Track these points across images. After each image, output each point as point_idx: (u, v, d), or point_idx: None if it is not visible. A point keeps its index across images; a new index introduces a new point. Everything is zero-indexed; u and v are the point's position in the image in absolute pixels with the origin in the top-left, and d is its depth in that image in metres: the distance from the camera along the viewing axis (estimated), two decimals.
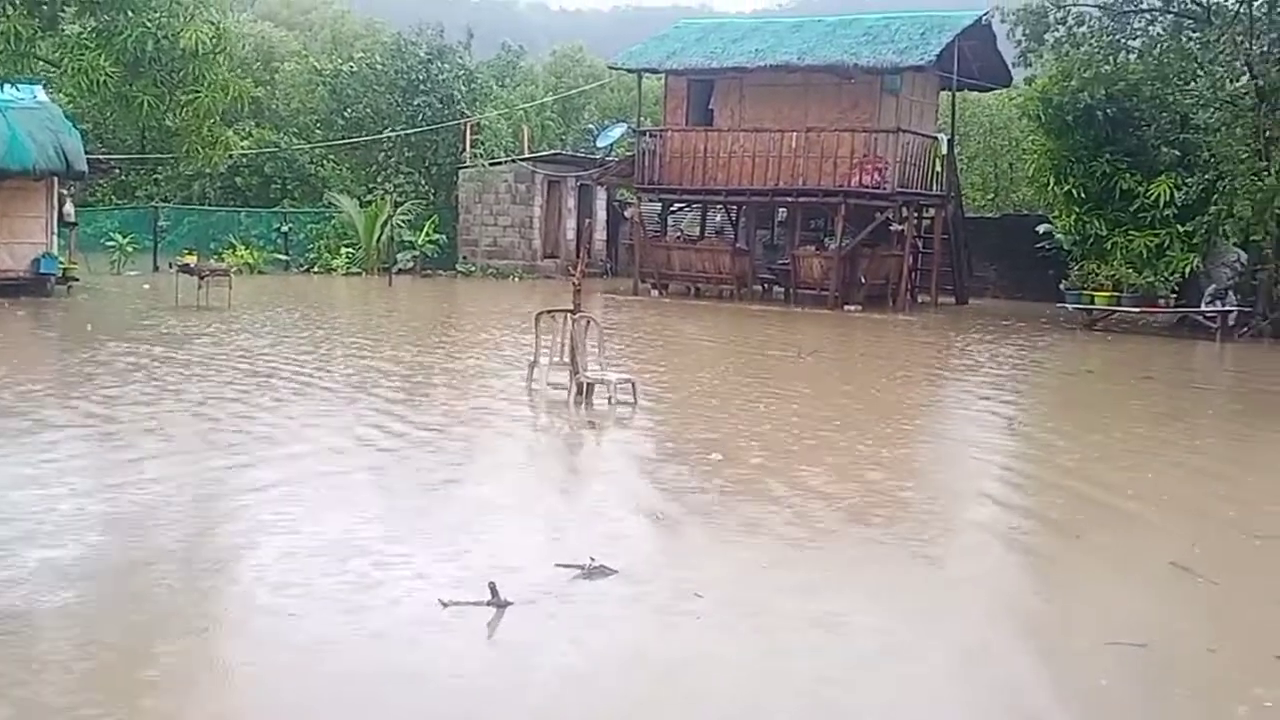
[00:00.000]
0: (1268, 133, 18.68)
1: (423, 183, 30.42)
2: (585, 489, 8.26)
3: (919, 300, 23.89)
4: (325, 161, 32.17)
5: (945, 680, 4.86)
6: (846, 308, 21.99)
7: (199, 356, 13.22)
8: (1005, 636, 5.41)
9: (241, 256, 26.56)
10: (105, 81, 14.75)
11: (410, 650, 4.95)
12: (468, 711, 4.45)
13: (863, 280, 22.67)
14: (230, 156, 22.58)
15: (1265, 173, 18.17)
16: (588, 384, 10.88)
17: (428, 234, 28.43)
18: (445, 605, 5.34)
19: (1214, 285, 19.80)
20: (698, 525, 7.05)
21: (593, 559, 5.95)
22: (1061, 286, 20.94)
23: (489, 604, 5.36)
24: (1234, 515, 7.73)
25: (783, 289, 24.08)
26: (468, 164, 29.82)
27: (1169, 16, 21.18)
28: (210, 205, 31.20)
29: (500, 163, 29.73)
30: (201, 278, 19.23)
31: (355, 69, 30.87)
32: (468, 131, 30.19)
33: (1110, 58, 20.05)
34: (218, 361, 12.92)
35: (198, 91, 15.21)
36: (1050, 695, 4.76)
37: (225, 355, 13.43)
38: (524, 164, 29.48)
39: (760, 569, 6.23)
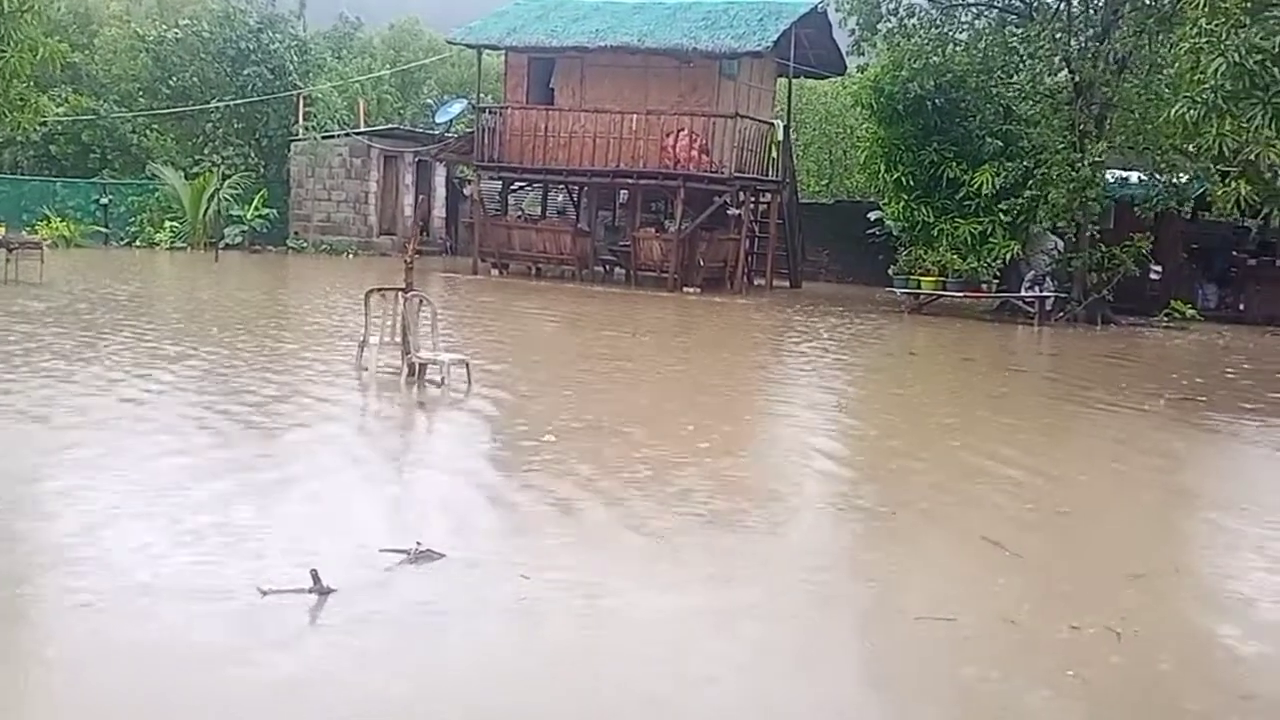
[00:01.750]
0: (1082, 126, 19.58)
1: (252, 155, 29.43)
2: (414, 472, 8.10)
3: (755, 283, 24.30)
4: (149, 131, 30.78)
5: (755, 656, 4.92)
6: (686, 290, 22.20)
7: None
8: (817, 613, 5.51)
9: (57, 229, 25.25)
10: None
11: (227, 640, 4.76)
12: (285, 703, 4.29)
13: (701, 263, 22.91)
14: (44, 123, 21.40)
15: (1079, 163, 19.05)
16: (419, 365, 10.68)
17: (257, 208, 27.54)
18: (264, 594, 5.16)
19: (1033, 271, 20.69)
20: (529, 507, 6.98)
21: (419, 543, 5.84)
22: (890, 271, 21.56)
23: (310, 591, 5.20)
24: (1042, 489, 8.08)
25: (624, 270, 24.16)
26: (300, 137, 28.98)
27: (994, 11, 21.98)
28: (22, 175, 29.54)
29: (334, 136, 28.97)
30: (10, 250, 18.21)
31: (181, 36, 29.59)
32: (300, 104, 29.31)
33: (939, 49, 20.66)
34: (14, 339, 12.23)
35: (3, 51, 14.35)
36: (856, 672, 4.87)
37: (30, 331, 12.72)
38: (359, 138, 28.82)
39: (591, 550, 6.20)
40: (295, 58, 30.12)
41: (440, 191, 30.84)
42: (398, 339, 10.83)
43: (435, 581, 5.53)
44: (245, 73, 28.97)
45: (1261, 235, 22.96)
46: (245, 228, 27.53)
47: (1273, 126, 10.77)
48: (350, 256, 27.50)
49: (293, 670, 4.58)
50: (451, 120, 30.22)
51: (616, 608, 5.36)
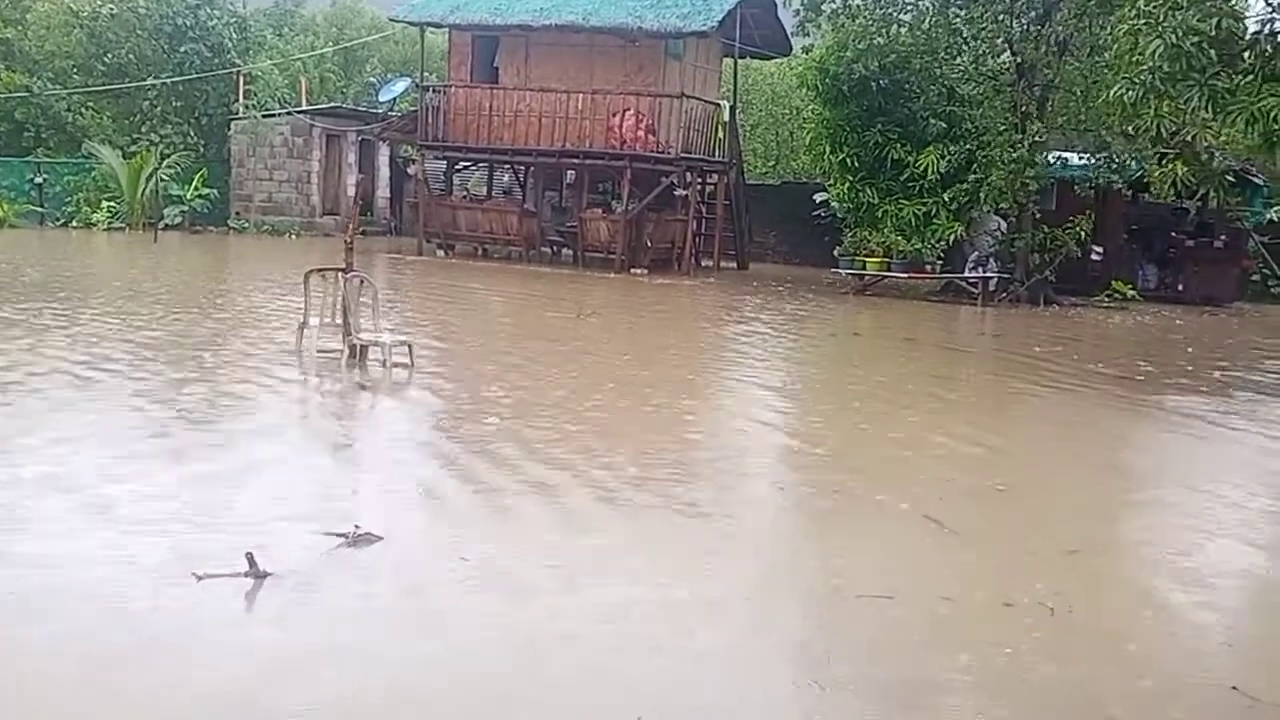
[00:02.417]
0: (1023, 107, 19.74)
1: (192, 134, 28.93)
2: (353, 454, 8.00)
3: (703, 264, 24.30)
4: (84, 109, 30.13)
5: (693, 634, 4.91)
6: (633, 271, 22.14)
7: None
8: (759, 592, 5.51)
9: None
10: None
11: (161, 625, 4.68)
12: (216, 688, 4.22)
13: (648, 244, 22.85)
14: None
15: (1020, 144, 19.21)
16: (361, 346, 10.56)
17: (197, 188, 27.10)
18: (199, 578, 5.07)
19: (976, 253, 20.86)
20: (470, 490, 6.92)
21: (358, 526, 5.77)
22: (836, 252, 21.65)
23: (246, 575, 5.13)
24: (983, 467, 8.16)
25: (571, 251, 24.05)
26: (240, 115, 28.52)
27: None
28: None
29: (276, 115, 28.55)
30: None
31: (116, 11, 28.95)
32: (240, 81, 28.84)
33: (883, 30, 20.68)
34: None
35: None
36: (793, 650, 4.88)
37: None
38: (301, 117, 28.40)
39: (531, 533, 6.16)
40: (234, 35, 29.61)
41: (384, 171, 30.51)
42: (338, 320, 10.69)
43: (373, 564, 5.46)
44: (183, 50, 28.43)
45: (1199, 217, 23.31)
46: (185, 208, 27.06)
47: (1209, 108, 10.91)
48: (293, 237, 27.14)
49: (227, 655, 4.50)
50: (395, 99, 29.87)
51: (555, 588, 5.33)
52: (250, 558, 5.18)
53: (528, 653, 4.64)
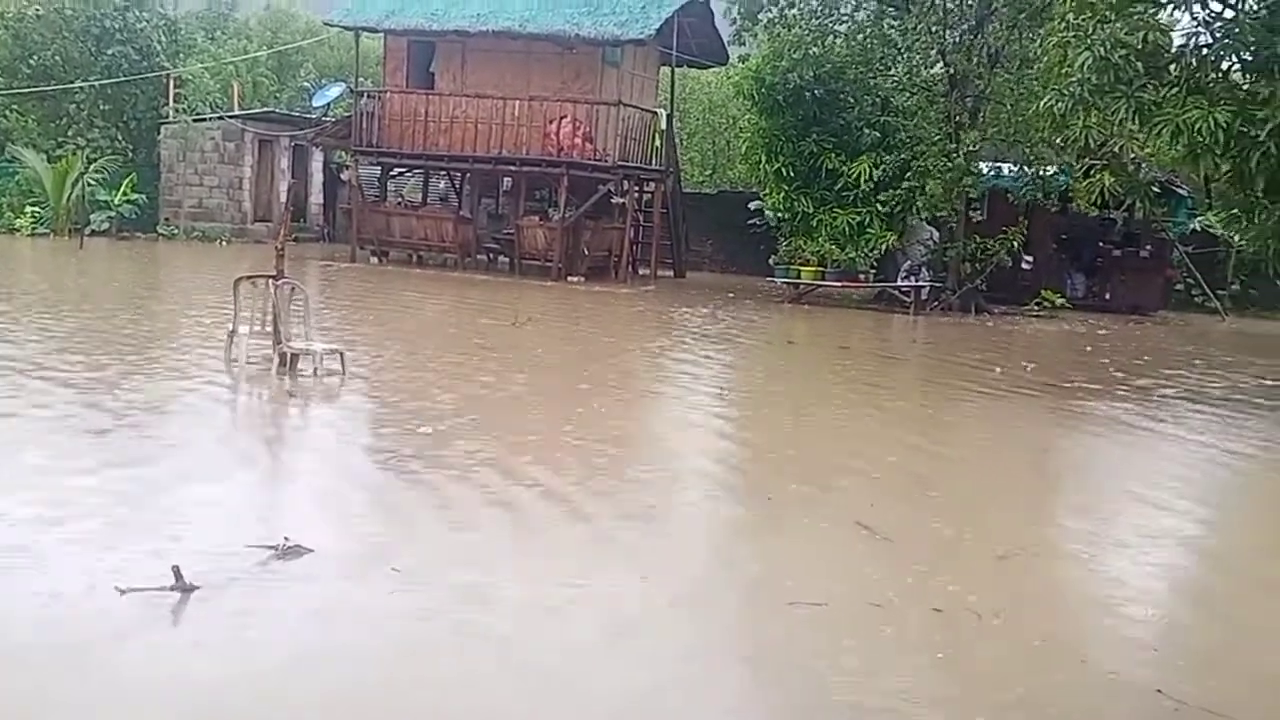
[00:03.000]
0: (957, 118, 20.00)
1: (120, 138, 28.35)
2: (283, 465, 7.87)
3: (640, 273, 24.30)
4: (8, 112, 29.41)
5: (627, 643, 4.88)
6: (570, 279, 22.08)
7: None
8: (692, 600, 5.49)
9: None
10: None
11: (83, 640, 4.55)
12: (138, 706, 4.10)
13: (585, 252, 22.81)
14: None
15: (954, 154, 19.46)
16: (291, 354, 10.39)
17: (125, 193, 26.58)
18: (123, 592, 4.94)
19: (909, 261, 21.08)
20: (401, 500, 6.83)
21: (287, 538, 5.66)
22: (772, 261, 21.76)
23: (173, 589, 5.00)
24: (914, 473, 8.22)
25: (508, 259, 23.92)
26: (170, 120, 28.03)
27: (872, 3, 22.29)
28: None
29: (207, 119, 28.10)
30: None
31: (42, 13, 28.33)
32: (170, 85, 28.36)
33: (819, 40, 20.86)
34: None
35: None
36: (727, 658, 4.86)
37: None
38: (233, 122, 27.99)
39: (465, 542, 6.09)
40: (164, 38, 29.10)
41: (317, 177, 30.14)
42: (269, 328, 10.52)
43: (304, 576, 5.36)
44: (110, 52, 27.88)
45: (1126, 227, 23.78)
46: (112, 213, 26.53)
47: (1136, 120, 11.10)
48: (223, 244, 26.71)
49: (152, 671, 4.38)
50: (329, 104, 29.55)
51: (490, 596, 5.26)
52: (176, 571, 5.06)
53: (460, 661, 4.58)
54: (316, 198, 30.23)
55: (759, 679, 4.65)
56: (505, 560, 5.84)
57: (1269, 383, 14.10)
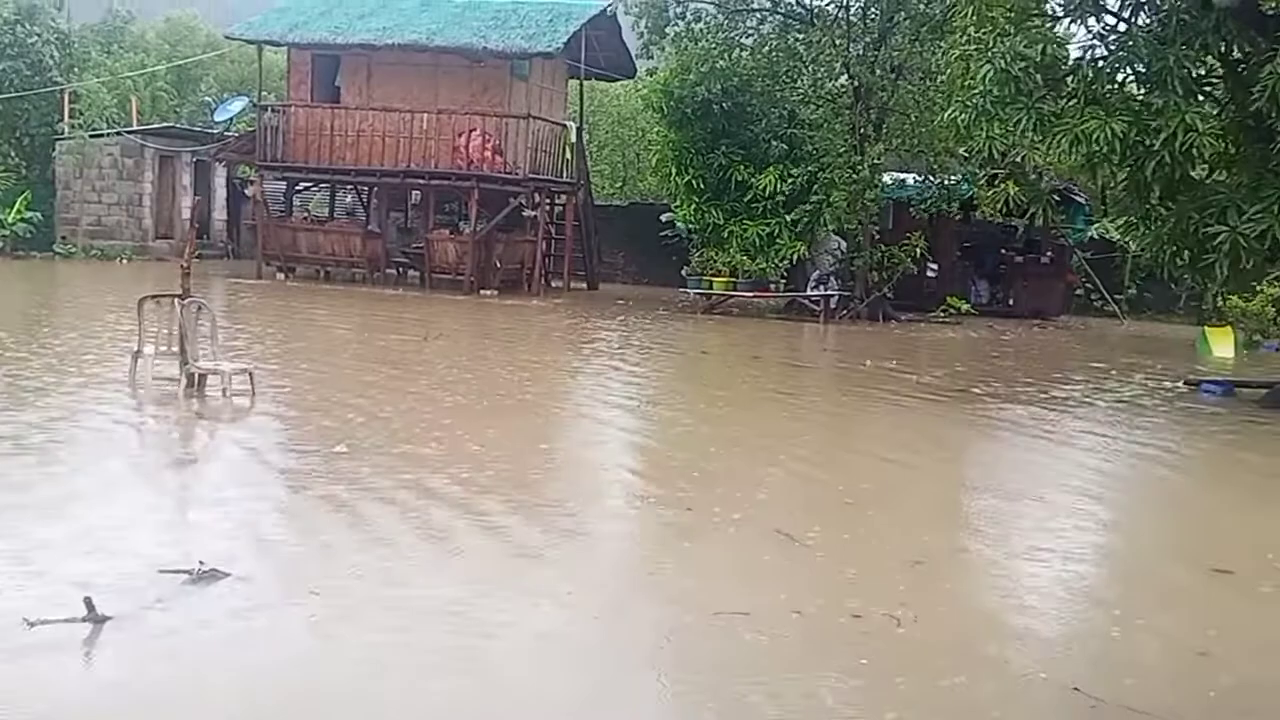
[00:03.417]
0: (862, 129, 20.33)
1: (12, 155, 27.53)
2: (195, 488, 7.68)
3: (553, 285, 24.26)
4: None
5: (548, 655, 4.87)
6: (482, 293, 21.96)
7: None
8: (616, 612, 5.48)
9: None
10: None
11: None
12: None
13: (497, 265, 22.71)
14: None
15: (859, 166, 19.78)
16: (199, 375, 10.16)
17: (19, 211, 25.80)
18: (32, 625, 4.77)
19: (818, 271, 21.36)
20: (318, 521, 6.71)
21: (202, 563, 5.54)
22: (684, 272, 21.89)
23: (85, 620, 4.84)
24: (830, 481, 8.32)
25: (418, 273, 23.71)
26: (66, 135, 27.27)
27: (777, 17, 22.58)
28: None
29: (105, 135, 27.40)
30: None
31: None
32: (65, 100, 27.61)
33: (725, 54, 21.07)
34: None
35: None
36: (653, 669, 4.86)
37: None
38: (132, 137, 27.33)
39: (382, 561, 6.01)
40: (56, 52, 28.31)
41: (220, 193, 29.57)
42: (175, 349, 10.28)
43: (221, 601, 5.24)
44: (0, 67, 27.08)
45: (1027, 234, 24.37)
46: (6, 232, 25.73)
47: (1036, 130, 11.39)
48: (124, 262, 26.05)
49: (67, 708, 4.24)
50: (232, 119, 29.03)
51: (412, 618, 5.19)
52: (89, 602, 4.91)
53: (384, 683, 4.51)
54: (220, 214, 29.67)
55: (682, 689, 4.65)
56: (427, 579, 5.78)
57: (1167, 384, 14.55)
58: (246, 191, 26.88)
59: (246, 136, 25.06)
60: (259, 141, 23.47)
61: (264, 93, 24.42)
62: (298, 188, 25.93)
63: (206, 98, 33.65)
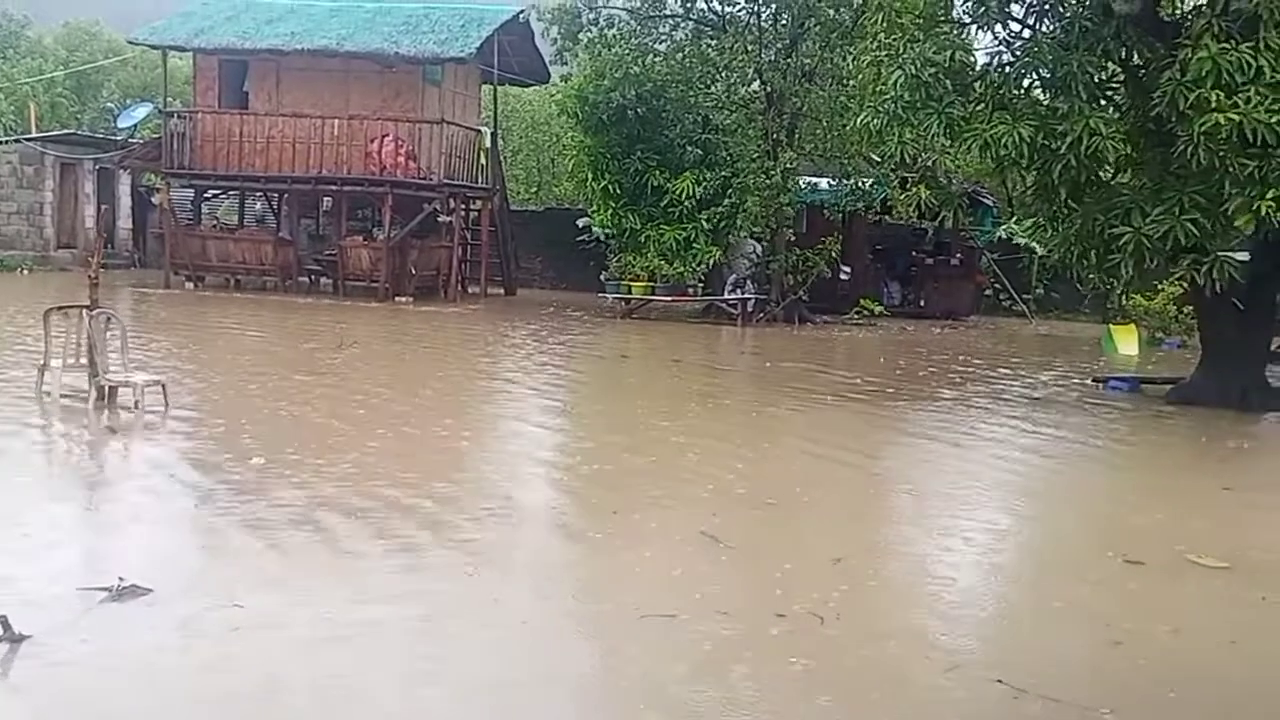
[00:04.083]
0: (775, 135, 20.55)
1: None
2: (109, 503, 7.49)
3: (469, 291, 24.13)
4: None
5: (473, 659, 4.84)
6: (398, 299, 21.76)
7: None
8: (541, 617, 5.47)
9: None
10: None
11: None
12: None
13: (413, 271, 22.53)
14: None
15: (773, 171, 19.99)
16: (109, 387, 9.92)
17: None
18: None
19: (735, 275, 21.56)
20: (238, 534, 6.58)
21: (121, 579, 5.40)
22: (602, 277, 21.92)
23: (1, 639, 4.69)
24: (752, 482, 8.38)
25: (331, 281, 23.41)
26: None
27: (690, 23, 22.73)
28: None
29: (2, 142, 26.63)
30: None
31: None
32: None
33: (639, 59, 21.15)
34: None
35: None
36: (581, 673, 4.86)
37: None
38: (31, 144, 26.59)
39: (305, 574, 5.92)
40: None
41: (125, 201, 28.92)
42: (83, 361, 10.02)
43: (143, 617, 5.12)
44: None
45: (937, 236, 24.86)
46: None
47: (947, 135, 11.62)
48: (24, 273, 25.31)
49: None
50: (136, 125, 28.43)
51: (333, 631, 5.12)
52: (4, 621, 4.77)
53: (303, 695, 4.45)
54: (125, 223, 29.01)
55: (611, 693, 4.66)
56: (346, 592, 5.70)
57: (1075, 382, 14.94)
58: (153, 199, 26.30)
59: (152, 143, 24.54)
60: (165, 148, 22.99)
61: (169, 99, 23.91)
62: (206, 195, 25.46)
63: (109, 104, 32.93)
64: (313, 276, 24.24)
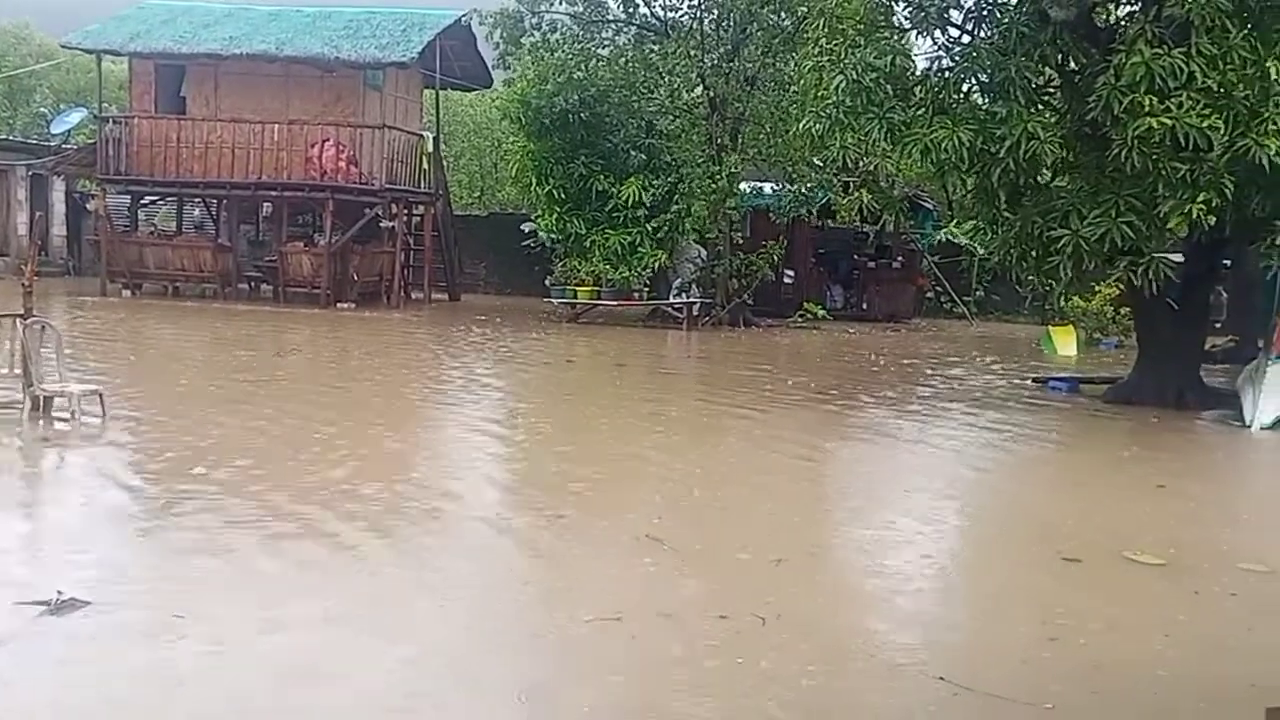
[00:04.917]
0: (719, 140, 20.64)
1: None
2: (47, 515, 7.35)
3: (413, 297, 23.99)
4: None
5: (422, 671, 4.81)
6: (339, 306, 21.57)
7: None
8: (490, 619, 5.45)
9: None
10: None
11: None
12: None
13: (355, 277, 22.35)
14: None
15: (717, 175, 20.08)
16: (45, 397, 9.73)
17: None
18: None
19: (680, 279, 21.62)
20: (178, 545, 6.49)
21: (60, 592, 5.31)
22: (548, 282, 21.88)
23: None
24: (696, 485, 8.41)
25: (271, 287, 23.15)
26: None
27: (632, 28, 22.77)
28: None
29: None
30: None
31: None
32: None
33: (582, 64, 21.15)
34: None
35: None
36: (528, 677, 4.85)
37: None
38: None
39: (246, 582, 5.85)
40: None
41: (59, 208, 28.39)
42: (18, 370, 9.83)
43: (82, 631, 5.03)
44: None
45: (879, 240, 25.11)
46: None
47: (888, 139, 11.74)
48: None
49: None
50: (70, 130, 27.94)
51: (281, 640, 5.06)
52: None
53: (252, 710, 4.39)
54: (59, 229, 28.47)
55: (556, 694, 4.65)
56: (293, 600, 5.63)
57: (1016, 382, 15.14)
58: (88, 206, 25.88)
59: (86, 149, 24.15)
60: (100, 154, 22.62)
61: (105, 104, 23.53)
62: (143, 201, 25.08)
63: (42, 108, 32.35)
64: (253, 283, 23.97)
